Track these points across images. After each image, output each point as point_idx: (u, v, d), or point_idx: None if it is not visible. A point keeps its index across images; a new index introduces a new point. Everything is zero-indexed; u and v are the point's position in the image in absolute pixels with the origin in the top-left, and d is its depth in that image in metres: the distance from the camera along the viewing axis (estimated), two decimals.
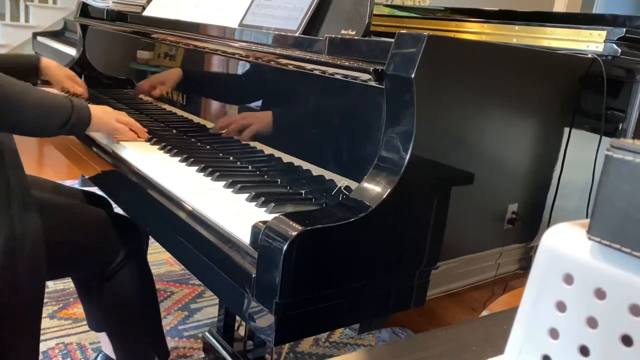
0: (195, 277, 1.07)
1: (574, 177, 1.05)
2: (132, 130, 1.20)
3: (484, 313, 1.07)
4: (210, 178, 1.00)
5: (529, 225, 1.02)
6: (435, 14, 1.76)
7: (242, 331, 1.45)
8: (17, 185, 1.02)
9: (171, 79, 1.39)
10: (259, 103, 1.12)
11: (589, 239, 0.34)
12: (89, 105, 1.13)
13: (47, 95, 1.05)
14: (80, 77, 1.82)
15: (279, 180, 1.00)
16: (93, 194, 1.43)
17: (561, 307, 0.36)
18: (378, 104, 0.81)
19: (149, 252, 1.48)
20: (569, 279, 0.35)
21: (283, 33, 1.02)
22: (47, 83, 1.53)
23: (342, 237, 0.71)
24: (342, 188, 0.87)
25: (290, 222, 0.69)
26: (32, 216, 1.02)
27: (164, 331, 1.38)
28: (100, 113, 1.14)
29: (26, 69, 1.42)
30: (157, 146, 1.18)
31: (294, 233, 0.67)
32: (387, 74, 0.76)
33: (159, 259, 2.28)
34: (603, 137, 1.04)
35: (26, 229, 1.00)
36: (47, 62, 1.45)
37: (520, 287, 1.07)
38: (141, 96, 1.56)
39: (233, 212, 0.85)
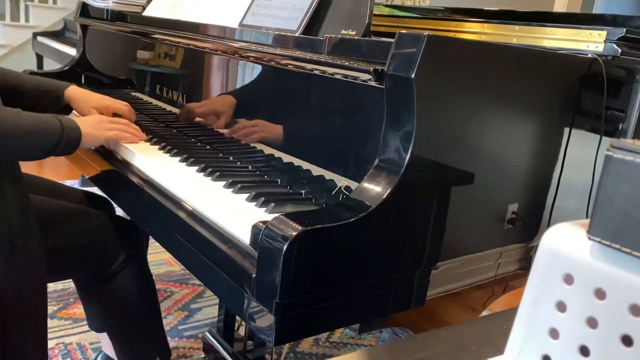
0: (195, 277, 1.07)
1: (574, 177, 1.05)
2: (130, 133, 1.18)
3: (484, 313, 1.07)
4: (210, 178, 1.00)
5: (529, 225, 1.02)
6: (435, 14, 1.76)
7: (242, 331, 1.45)
8: (12, 186, 1.02)
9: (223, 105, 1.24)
10: (258, 103, 1.12)
11: (589, 239, 0.34)
12: (81, 118, 1.10)
13: (39, 123, 1.02)
14: (81, 77, 1.82)
15: (279, 180, 1.00)
16: (94, 195, 1.43)
17: (561, 307, 0.36)
18: (378, 104, 0.80)
19: (149, 252, 1.48)
20: (569, 279, 0.35)
21: (283, 33, 1.02)
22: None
23: (342, 237, 0.71)
24: (342, 188, 0.87)
25: (290, 222, 0.69)
26: (30, 217, 1.02)
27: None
28: (91, 129, 1.10)
29: (48, 94, 1.31)
30: (157, 146, 1.18)
31: (294, 233, 0.67)
32: (387, 74, 0.76)
33: (159, 259, 2.28)
34: (603, 137, 1.04)
35: (24, 230, 1.00)
36: (71, 93, 1.31)
37: (520, 287, 1.07)
38: (141, 96, 1.56)
39: (233, 212, 0.85)
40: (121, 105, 1.30)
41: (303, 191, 0.94)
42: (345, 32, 0.94)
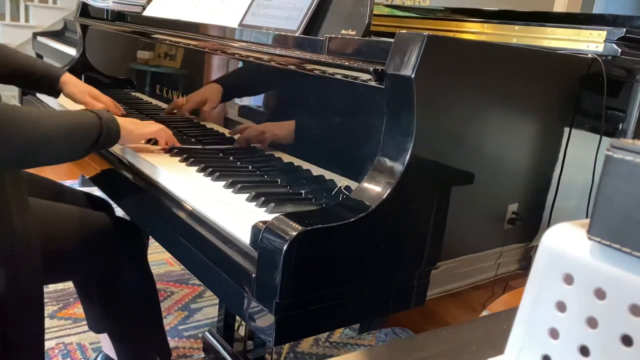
0: (195, 277, 1.07)
1: (574, 177, 1.05)
2: (166, 134, 1.15)
3: (484, 313, 1.07)
4: (210, 178, 1.00)
5: (529, 225, 1.02)
6: (435, 14, 1.76)
7: (242, 331, 1.45)
8: (13, 188, 1.02)
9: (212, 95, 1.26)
10: (258, 103, 1.12)
11: (589, 239, 0.34)
12: (115, 116, 1.06)
13: (75, 120, 0.97)
14: (80, 77, 1.82)
15: (279, 180, 1.00)
16: (94, 196, 1.43)
17: (561, 307, 0.36)
18: (378, 104, 0.80)
19: (149, 252, 1.48)
20: (569, 279, 0.35)
21: (283, 33, 1.02)
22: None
23: (342, 237, 0.71)
24: (342, 188, 0.87)
25: (290, 222, 0.69)
26: (28, 217, 1.02)
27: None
28: (128, 123, 1.07)
29: (43, 79, 1.36)
30: (157, 146, 1.18)
31: (294, 233, 0.67)
32: (387, 74, 0.76)
33: (159, 259, 2.28)
34: (603, 137, 1.04)
35: (22, 230, 1.00)
36: (66, 78, 1.36)
37: (520, 287, 1.07)
38: (141, 96, 1.56)
39: (233, 212, 0.85)
40: (106, 99, 1.36)
41: (303, 191, 0.94)
42: (345, 32, 0.94)
